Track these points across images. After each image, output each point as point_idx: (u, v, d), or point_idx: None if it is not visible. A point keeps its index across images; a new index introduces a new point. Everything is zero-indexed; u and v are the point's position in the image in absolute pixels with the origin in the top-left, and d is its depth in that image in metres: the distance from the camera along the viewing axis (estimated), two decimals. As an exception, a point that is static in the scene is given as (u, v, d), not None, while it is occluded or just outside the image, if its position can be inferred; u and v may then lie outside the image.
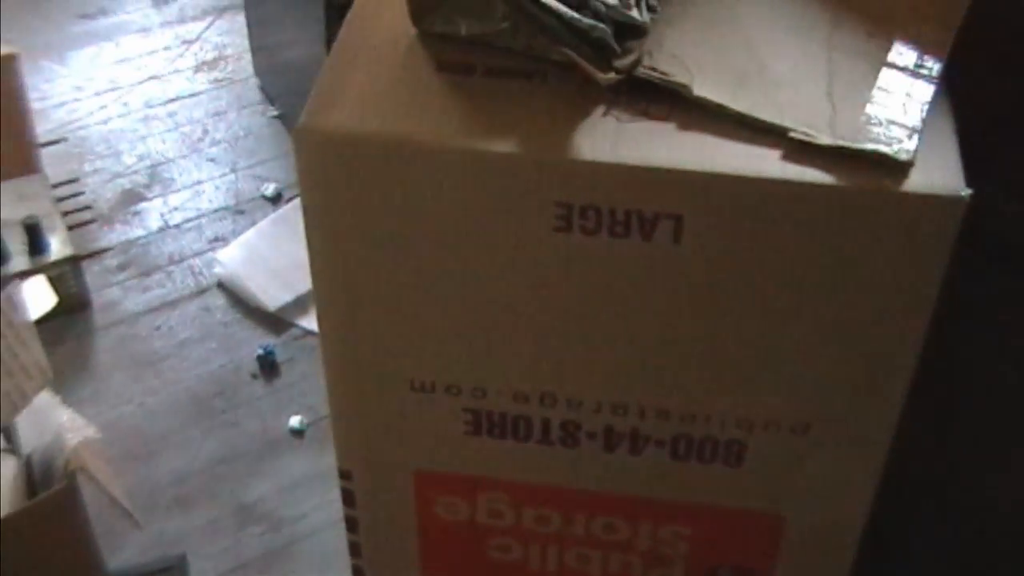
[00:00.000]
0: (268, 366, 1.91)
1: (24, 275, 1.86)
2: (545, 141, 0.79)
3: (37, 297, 1.51)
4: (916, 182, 0.74)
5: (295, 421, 1.82)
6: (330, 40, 1.91)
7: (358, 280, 0.89)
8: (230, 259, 2.08)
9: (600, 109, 0.81)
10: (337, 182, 0.83)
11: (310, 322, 1.97)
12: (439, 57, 0.86)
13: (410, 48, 0.87)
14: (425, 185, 0.82)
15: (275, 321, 1.99)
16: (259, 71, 2.58)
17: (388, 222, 0.84)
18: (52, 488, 1.31)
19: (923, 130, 0.77)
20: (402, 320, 0.91)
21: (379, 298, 0.90)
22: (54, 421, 1.39)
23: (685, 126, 0.79)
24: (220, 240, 2.17)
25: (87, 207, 2.24)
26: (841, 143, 0.75)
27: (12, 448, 1.37)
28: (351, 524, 1.11)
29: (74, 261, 1.98)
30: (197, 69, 2.65)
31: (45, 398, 1.40)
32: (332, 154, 0.82)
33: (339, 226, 0.86)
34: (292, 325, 1.98)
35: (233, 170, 2.34)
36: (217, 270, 2.08)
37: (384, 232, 0.85)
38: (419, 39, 0.87)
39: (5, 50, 1.81)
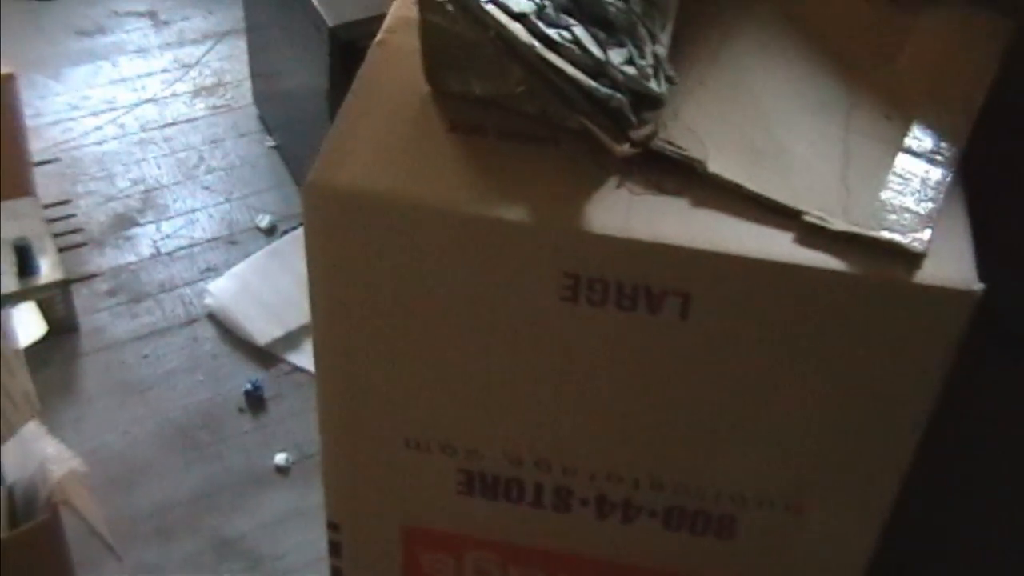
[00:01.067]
0: (255, 401, 1.90)
1: (14, 299, 1.84)
2: (556, 210, 0.79)
3: (26, 324, 1.50)
4: (928, 274, 0.74)
5: (280, 458, 1.81)
6: (332, 75, 1.93)
7: (359, 335, 0.88)
8: (221, 290, 2.07)
9: (613, 180, 0.80)
10: (344, 238, 0.83)
11: (299, 358, 1.96)
12: (452, 117, 0.85)
13: (423, 106, 0.87)
14: (432, 247, 0.81)
15: (264, 355, 1.98)
16: (258, 99, 2.57)
17: (393, 280, 0.84)
18: (34, 519, 1.30)
19: (937, 219, 0.77)
20: (401, 377, 0.90)
21: (379, 354, 0.89)
22: (39, 452, 1.38)
23: (698, 202, 0.79)
24: (212, 270, 2.15)
25: (79, 230, 2.23)
26: (854, 230, 0.75)
27: (-6, 478, 1.36)
28: (336, 574, 1.10)
29: (64, 285, 1.96)
30: (195, 94, 2.64)
31: (31, 428, 1.39)
32: (340, 211, 0.82)
33: (343, 281, 0.86)
34: (281, 360, 1.97)
35: (228, 199, 2.33)
36: (208, 301, 2.07)
37: (389, 290, 0.84)
38: (432, 98, 0.87)
39: (2, 69, 1.80)
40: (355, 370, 0.91)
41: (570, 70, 0.79)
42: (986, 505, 1.14)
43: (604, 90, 0.79)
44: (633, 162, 0.81)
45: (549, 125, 0.83)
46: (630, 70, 0.82)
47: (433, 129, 0.85)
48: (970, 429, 1.09)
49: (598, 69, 0.80)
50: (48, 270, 1.95)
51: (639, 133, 0.80)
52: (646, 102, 0.82)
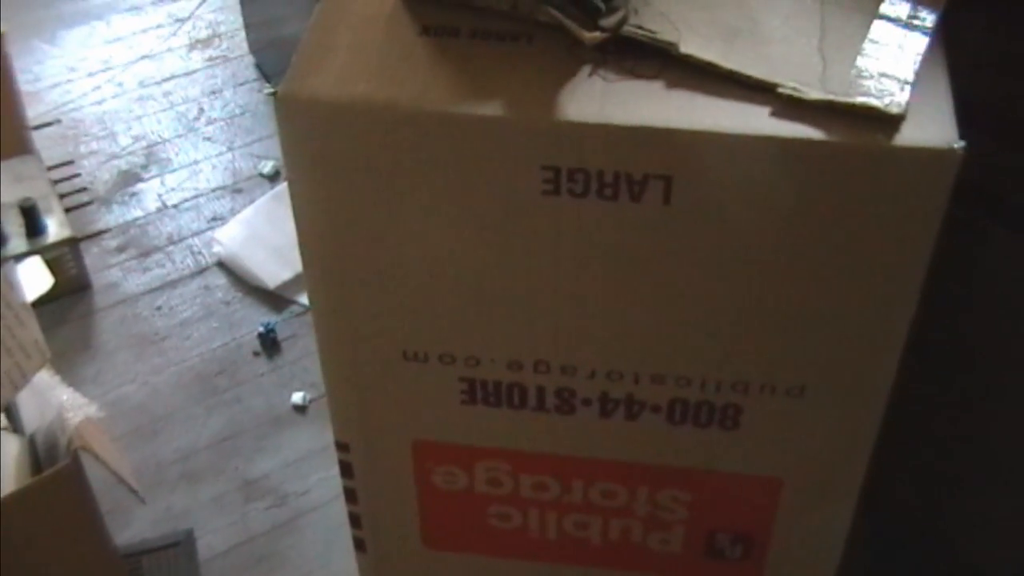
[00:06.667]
0: (269, 343, 1.91)
1: (20, 256, 1.85)
2: (531, 103, 0.78)
3: (34, 278, 1.51)
4: (908, 136, 0.73)
5: (297, 397, 1.82)
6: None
7: (346, 250, 0.88)
8: (229, 238, 2.08)
9: (586, 70, 0.80)
10: (321, 150, 0.82)
11: (310, 298, 1.96)
12: (422, 20, 0.84)
13: (393, 11, 0.86)
14: (410, 151, 0.81)
15: (275, 298, 1.98)
16: (254, 48, 2.56)
17: (374, 190, 0.83)
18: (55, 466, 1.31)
19: (915, 82, 0.76)
20: (392, 290, 0.90)
21: (368, 267, 0.89)
22: (55, 400, 1.39)
23: (673, 84, 0.78)
24: (218, 219, 2.16)
25: (84, 189, 2.23)
26: (831, 97, 0.74)
27: (14, 427, 1.37)
28: (350, 495, 1.11)
29: (72, 243, 1.97)
30: (191, 47, 2.63)
31: (45, 378, 1.39)
32: (315, 121, 0.81)
33: (324, 195, 0.86)
34: (292, 302, 1.98)
35: (230, 149, 2.33)
36: (216, 249, 2.07)
37: (370, 199, 0.84)
38: (402, 1, 0.86)
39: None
40: (345, 285, 0.91)
41: (536, -39, 0.78)
42: (994, 385, 1.13)
43: (571, -22, 0.78)
44: (606, 51, 0.80)
45: (521, 22, 0.82)
46: (598, -43, 0.80)
47: (404, 33, 0.84)
48: (981, 313, 1.08)
49: (565, -42, 0.79)
50: (56, 229, 1.96)
51: (609, 20, 0.79)
52: (615, -11, 0.81)
